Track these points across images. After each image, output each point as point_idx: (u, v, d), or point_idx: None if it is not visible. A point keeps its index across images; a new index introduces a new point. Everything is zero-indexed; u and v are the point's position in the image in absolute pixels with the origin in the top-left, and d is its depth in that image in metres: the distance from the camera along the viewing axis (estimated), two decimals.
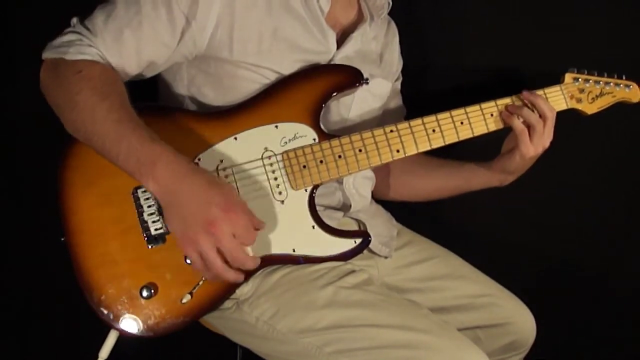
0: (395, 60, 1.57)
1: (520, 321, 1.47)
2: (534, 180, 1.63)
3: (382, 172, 1.57)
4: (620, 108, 1.48)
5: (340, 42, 1.36)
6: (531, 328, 1.48)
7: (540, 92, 1.38)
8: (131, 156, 1.09)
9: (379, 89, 1.47)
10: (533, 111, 1.35)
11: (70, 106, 1.15)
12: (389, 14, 1.49)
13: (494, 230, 1.87)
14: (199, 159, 1.22)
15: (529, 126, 1.34)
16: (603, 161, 1.78)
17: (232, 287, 1.24)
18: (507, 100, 1.37)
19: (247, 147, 1.24)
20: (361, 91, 1.36)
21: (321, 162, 1.26)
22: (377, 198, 1.58)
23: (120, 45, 1.20)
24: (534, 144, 1.34)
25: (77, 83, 1.14)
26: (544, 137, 1.34)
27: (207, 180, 1.10)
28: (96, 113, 1.12)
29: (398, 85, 1.62)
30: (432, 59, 1.76)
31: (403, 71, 1.61)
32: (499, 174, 1.45)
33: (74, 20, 1.23)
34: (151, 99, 1.41)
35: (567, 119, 1.40)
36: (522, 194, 1.77)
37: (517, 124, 1.34)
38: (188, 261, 1.18)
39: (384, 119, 1.52)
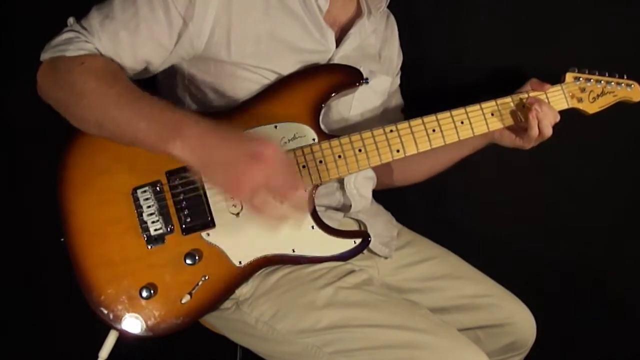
0: (395, 55, 1.57)
1: (520, 321, 1.47)
2: (534, 180, 1.64)
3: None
4: (622, 108, 1.48)
5: (339, 40, 1.36)
6: (531, 328, 1.48)
7: (542, 94, 1.38)
8: (152, 128, 1.09)
9: (380, 86, 1.47)
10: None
11: (76, 98, 1.14)
12: (388, 7, 1.48)
13: (494, 230, 1.87)
14: None
15: (540, 132, 1.35)
16: (603, 161, 1.78)
17: (231, 287, 1.24)
18: (507, 100, 1.37)
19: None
20: (362, 89, 1.36)
21: (321, 162, 1.26)
22: (375, 189, 1.58)
23: (117, 46, 1.20)
24: (536, 142, 1.38)
25: (82, 74, 1.14)
26: (546, 138, 1.37)
27: (235, 129, 1.12)
28: (107, 99, 1.12)
29: (397, 80, 1.61)
30: (432, 57, 1.76)
31: (402, 69, 1.61)
32: (487, 141, 1.46)
33: (71, 20, 1.24)
34: None
35: (568, 119, 1.40)
36: (522, 194, 1.77)
37: (535, 129, 1.35)
38: (188, 261, 1.19)
39: (385, 115, 1.52)
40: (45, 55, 1.21)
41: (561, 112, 1.38)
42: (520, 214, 1.85)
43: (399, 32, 1.59)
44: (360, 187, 1.41)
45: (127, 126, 1.11)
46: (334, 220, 1.35)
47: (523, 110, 1.36)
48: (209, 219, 1.22)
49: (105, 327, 1.22)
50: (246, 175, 1.04)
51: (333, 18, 1.37)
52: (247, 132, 1.16)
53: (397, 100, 1.62)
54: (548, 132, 1.35)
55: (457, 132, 1.33)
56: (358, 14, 1.42)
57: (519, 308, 1.49)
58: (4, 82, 1.69)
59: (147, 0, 1.19)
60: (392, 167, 1.57)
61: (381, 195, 1.60)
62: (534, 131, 1.35)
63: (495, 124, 1.36)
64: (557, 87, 1.41)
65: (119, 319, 1.19)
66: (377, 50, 1.49)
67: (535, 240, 1.87)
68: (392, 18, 1.58)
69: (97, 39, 1.19)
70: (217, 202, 1.22)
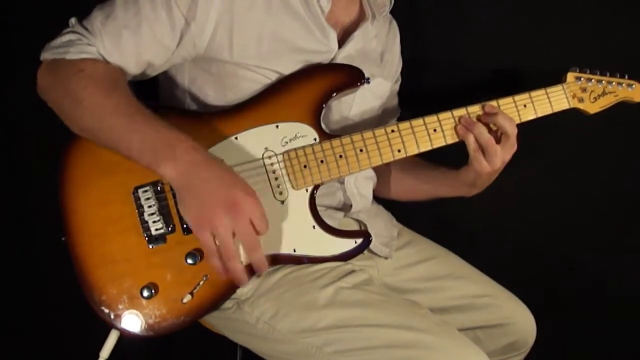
0: (395, 61, 1.57)
1: (520, 321, 1.47)
2: (535, 181, 1.64)
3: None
4: (622, 107, 1.48)
5: (341, 41, 1.36)
6: (531, 328, 1.49)
7: (542, 91, 1.38)
8: (146, 145, 1.09)
9: (380, 89, 1.47)
10: (489, 127, 1.30)
11: (74, 104, 1.14)
12: (391, 12, 1.49)
13: (494, 230, 1.87)
14: None
15: (481, 145, 1.28)
16: (604, 161, 1.78)
17: (232, 287, 1.23)
18: (508, 100, 1.36)
19: (247, 147, 1.24)
20: (362, 90, 1.36)
21: (322, 161, 1.26)
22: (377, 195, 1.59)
23: (119, 46, 1.20)
24: (489, 161, 1.28)
25: (81, 80, 1.14)
26: (500, 155, 1.28)
27: (227, 167, 1.12)
28: (104, 108, 1.12)
29: (397, 87, 1.62)
30: (434, 57, 1.76)
31: (404, 70, 1.61)
32: (461, 185, 1.42)
33: (73, 20, 1.23)
34: (152, 99, 1.41)
35: (569, 119, 1.40)
36: (522, 194, 1.78)
37: (471, 141, 1.28)
38: (189, 261, 1.19)
39: (382, 118, 1.52)
40: (45, 55, 1.20)
41: (562, 113, 1.38)
42: (520, 214, 1.85)
43: (400, 31, 1.59)
44: (361, 186, 1.42)
45: (121, 141, 1.12)
46: (335, 219, 1.35)
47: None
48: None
49: (106, 326, 1.21)
50: (215, 220, 1.06)
51: (335, 19, 1.37)
52: (241, 178, 1.14)
53: (394, 106, 1.62)
54: (484, 140, 1.26)
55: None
56: (361, 17, 1.42)
57: (519, 308, 1.49)
58: (4, 82, 1.69)
59: (149, 0, 1.19)
60: (399, 183, 1.58)
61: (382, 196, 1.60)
62: (470, 144, 1.28)
63: None
64: (558, 87, 1.40)
65: (119, 318, 1.18)
66: (379, 54, 1.49)
67: (535, 240, 1.87)
68: (394, 24, 1.58)
69: (99, 40, 1.19)
70: None
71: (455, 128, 1.31)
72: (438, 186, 1.50)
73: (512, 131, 1.28)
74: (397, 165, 1.56)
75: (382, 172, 1.56)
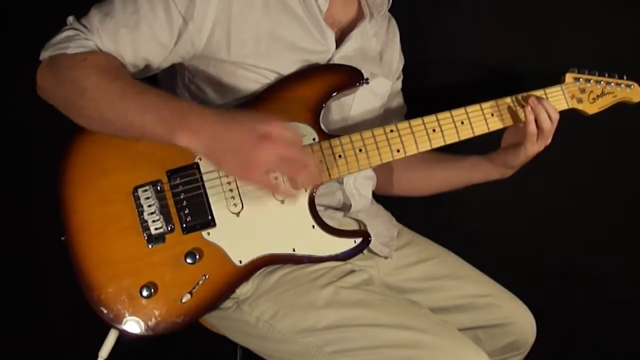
0: (395, 59, 1.57)
1: (520, 321, 1.47)
2: (535, 181, 1.64)
3: (386, 168, 1.57)
4: (621, 108, 1.48)
5: (339, 41, 1.36)
6: (531, 328, 1.48)
7: (540, 92, 1.38)
8: (160, 118, 1.10)
9: (380, 88, 1.47)
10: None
11: (79, 94, 1.14)
12: (389, 11, 1.49)
13: (494, 230, 1.88)
14: (199, 159, 1.22)
15: (539, 128, 1.35)
16: (604, 161, 1.78)
17: (231, 286, 1.24)
18: (507, 100, 1.37)
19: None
20: (362, 90, 1.36)
21: (321, 161, 1.26)
22: (380, 194, 1.59)
23: (117, 44, 1.20)
24: (539, 144, 1.37)
25: (84, 69, 1.15)
26: (548, 139, 1.37)
27: (239, 112, 1.13)
28: (111, 93, 1.12)
29: (399, 84, 1.62)
30: (432, 57, 1.76)
31: (403, 69, 1.61)
32: (500, 168, 1.46)
33: (70, 18, 1.23)
34: None
35: (568, 119, 1.40)
36: (523, 194, 1.78)
37: (532, 124, 1.34)
38: (188, 260, 1.19)
39: (385, 117, 1.52)
40: (45, 54, 1.21)
41: (561, 113, 1.38)
42: (520, 214, 1.85)
43: (399, 31, 1.59)
44: (360, 186, 1.42)
45: (133, 119, 1.11)
46: (334, 219, 1.35)
47: (523, 109, 1.37)
48: (210, 218, 1.22)
49: (105, 326, 1.21)
50: (257, 157, 1.07)
51: (333, 18, 1.37)
52: (250, 112, 1.17)
53: (399, 104, 1.62)
54: (547, 125, 1.34)
55: (458, 132, 1.34)
56: (359, 17, 1.42)
57: (519, 308, 1.49)
58: (4, 82, 1.69)
59: None
60: (405, 176, 1.59)
61: (381, 195, 1.60)
62: (531, 127, 1.34)
63: (496, 124, 1.37)
64: (557, 88, 1.41)
65: (119, 318, 1.18)
66: (378, 53, 1.49)
67: (535, 240, 1.87)
68: (393, 22, 1.58)
69: (97, 37, 1.19)
70: (217, 201, 1.22)
71: (522, 108, 1.36)
72: (472, 173, 1.51)
73: (556, 118, 1.36)
74: (424, 163, 1.56)
75: (409, 170, 1.58)
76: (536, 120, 1.34)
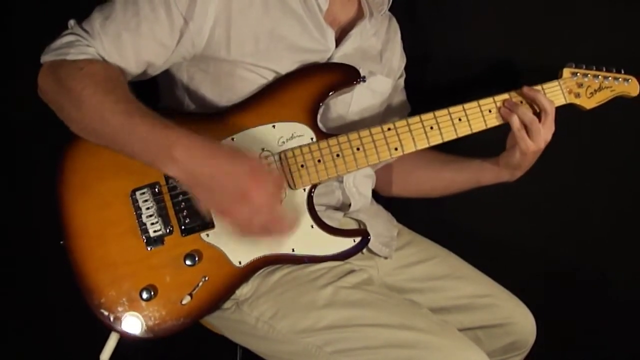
0: (397, 57, 1.57)
1: (520, 321, 1.47)
2: (535, 180, 1.63)
3: (391, 169, 1.58)
4: (621, 105, 1.48)
5: (339, 40, 1.37)
6: (531, 328, 1.48)
7: (538, 87, 1.38)
8: (146, 146, 1.09)
9: (379, 86, 1.47)
10: (533, 107, 1.35)
11: (75, 104, 1.14)
12: (390, 10, 1.49)
13: (494, 230, 1.87)
14: None
15: (525, 124, 1.34)
16: (604, 161, 1.78)
17: (231, 288, 1.24)
18: (505, 96, 1.37)
19: (244, 148, 1.24)
20: (361, 88, 1.36)
21: (319, 161, 1.26)
22: (386, 195, 1.59)
23: (119, 47, 1.20)
24: (534, 140, 1.34)
25: (81, 80, 1.14)
26: (543, 132, 1.34)
27: (228, 151, 1.10)
28: (104, 107, 1.12)
29: (401, 82, 1.61)
30: (430, 55, 1.76)
31: (405, 68, 1.61)
32: (505, 169, 1.45)
33: (71, 22, 1.23)
34: (151, 98, 1.41)
35: (568, 117, 1.40)
36: (523, 194, 1.77)
37: (515, 121, 1.33)
38: (188, 262, 1.19)
39: (386, 116, 1.52)
40: (45, 58, 1.21)
41: (562, 113, 1.38)
42: (520, 214, 1.85)
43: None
44: (360, 185, 1.42)
45: (122, 140, 1.12)
46: (334, 219, 1.35)
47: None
48: (208, 219, 1.22)
49: (106, 329, 1.21)
50: (233, 212, 1.07)
51: (333, 17, 1.37)
52: (245, 154, 1.13)
53: (401, 102, 1.62)
54: (528, 118, 1.32)
55: (455, 130, 1.33)
56: (359, 16, 1.43)
57: (519, 308, 1.49)
58: (4, 82, 1.69)
59: (148, 0, 1.20)
60: (411, 177, 1.59)
61: (381, 195, 1.60)
62: (515, 125, 1.33)
63: (493, 121, 1.36)
64: (555, 83, 1.41)
65: (119, 321, 1.19)
66: (378, 52, 1.49)
67: (535, 240, 1.87)
68: (394, 21, 1.58)
69: (98, 42, 1.19)
70: None
71: (499, 110, 1.36)
72: (479, 174, 1.50)
73: (551, 109, 1.35)
74: (430, 164, 1.56)
75: (415, 170, 1.58)
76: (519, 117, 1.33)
